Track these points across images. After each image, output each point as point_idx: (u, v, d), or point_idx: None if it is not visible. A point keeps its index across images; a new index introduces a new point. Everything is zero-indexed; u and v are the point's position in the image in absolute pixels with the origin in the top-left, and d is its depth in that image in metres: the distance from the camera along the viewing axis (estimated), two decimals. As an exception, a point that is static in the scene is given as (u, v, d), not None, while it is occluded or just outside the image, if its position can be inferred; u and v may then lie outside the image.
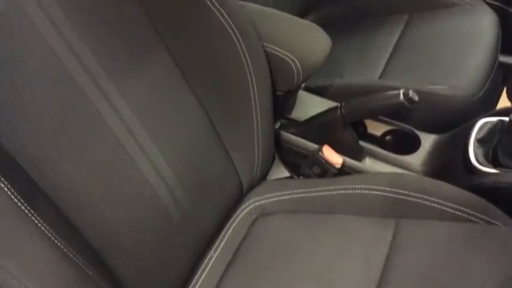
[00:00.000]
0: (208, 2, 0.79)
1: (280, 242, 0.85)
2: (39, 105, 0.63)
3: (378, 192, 0.83)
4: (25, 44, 0.63)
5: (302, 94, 1.09)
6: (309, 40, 0.95)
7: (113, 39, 0.73)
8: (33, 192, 0.60)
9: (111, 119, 0.71)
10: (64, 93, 0.66)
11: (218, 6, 0.80)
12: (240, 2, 0.89)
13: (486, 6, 1.25)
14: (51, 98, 0.64)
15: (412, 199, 0.80)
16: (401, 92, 0.84)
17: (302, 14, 1.39)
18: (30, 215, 0.56)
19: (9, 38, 0.61)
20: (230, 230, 0.90)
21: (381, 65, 1.17)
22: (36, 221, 0.57)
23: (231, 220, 0.91)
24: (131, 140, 0.72)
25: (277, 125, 1.05)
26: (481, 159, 0.84)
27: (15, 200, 0.56)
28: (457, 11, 1.24)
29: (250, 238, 0.87)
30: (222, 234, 0.89)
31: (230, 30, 0.82)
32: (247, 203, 0.92)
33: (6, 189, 0.55)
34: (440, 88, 1.03)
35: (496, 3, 1.33)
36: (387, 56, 1.19)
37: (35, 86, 0.63)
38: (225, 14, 0.80)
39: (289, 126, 1.04)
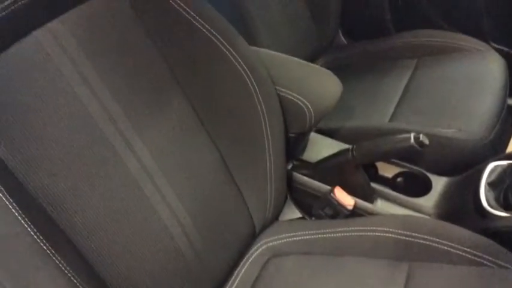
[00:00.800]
0: (222, 47, 0.82)
1: (292, 283, 0.85)
2: (60, 148, 0.65)
3: (390, 235, 0.83)
4: (48, 87, 0.66)
5: (313, 136, 1.11)
6: (321, 84, 0.97)
7: (132, 82, 0.76)
8: (54, 234, 0.62)
9: (130, 161, 0.73)
10: (84, 135, 0.68)
11: (232, 50, 0.83)
12: (254, 47, 0.93)
13: (493, 51, 1.28)
14: (71, 141, 0.67)
15: (424, 242, 0.81)
16: (412, 135, 0.85)
17: (312, 58, 1.43)
18: (52, 256, 0.58)
19: (33, 79, 0.64)
20: (242, 271, 0.90)
21: (391, 108, 1.19)
22: (57, 262, 0.58)
23: (244, 261, 0.91)
24: (149, 182, 0.74)
25: (290, 166, 1.07)
26: (493, 202, 0.84)
27: (38, 240, 0.57)
28: (465, 56, 1.27)
29: (262, 279, 0.87)
30: (235, 275, 0.89)
31: (244, 74, 0.84)
32: (259, 244, 0.93)
33: (29, 230, 0.57)
34: (450, 131, 1.04)
35: (502, 48, 1.36)
36: (397, 99, 1.22)
37: (55, 129, 0.66)
38: (238, 58, 0.84)
39: (301, 167, 1.05)
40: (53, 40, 0.66)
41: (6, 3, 0.60)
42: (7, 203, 0.57)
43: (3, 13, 0.60)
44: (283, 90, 0.92)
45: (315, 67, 1.03)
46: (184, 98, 0.83)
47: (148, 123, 0.77)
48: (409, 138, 0.86)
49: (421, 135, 0.86)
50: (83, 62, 0.69)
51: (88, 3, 0.71)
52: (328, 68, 1.00)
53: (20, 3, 0.62)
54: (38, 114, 0.64)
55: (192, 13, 0.80)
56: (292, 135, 0.96)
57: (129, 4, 0.76)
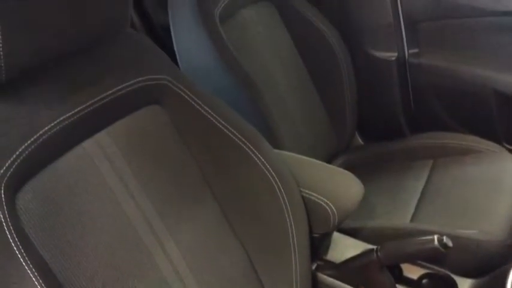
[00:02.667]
0: (250, 152, 0.87)
1: None
2: (100, 253, 0.69)
3: None
4: (92, 195, 0.70)
5: (336, 236, 1.12)
6: (343, 185, 1.00)
7: (167, 186, 0.81)
8: None
9: (163, 263, 0.75)
10: (123, 240, 0.72)
11: (259, 155, 0.88)
12: (278, 150, 0.98)
13: (507, 152, 1.32)
14: (110, 245, 0.70)
15: None
16: (435, 237, 0.86)
17: (331, 158, 1.48)
18: None
19: (79, 188, 0.69)
20: None
21: (411, 208, 1.21)
22: None
23: None
24: (180, 285, 0.76)
25: (314, 266, 1.07)
26: (521, 305, 0.84)
27: None
28: (480, 157, 1.31)
29: None
30: None
31: (271, 178, 0.89)
32: None
33: None
34: (472, 233, 1.05)
35: (515, 149, 1.40)
36: (416, 199, 1.24)
37: (95, 233, 0.69)
38: (265, 162, 0.88)
39: (326, 267, 1.05)
40: (99, 150, 0.72)
41: (60, 118, 0.67)
42: None
43: (58, 127, 0.66)
44: (306, 191, 0.95)
45: (336, 169, 1.07)
46: (214, 200, 0.87)
47: (180, 224, 0.80)
48: (433, 240, 0.86)
49: (444, 237, 0.86)
50: (124, 169, 0.74)
51: (132, 115, 0.77)
52: (345, 168, 1.04)
53: (73, 118, 0.68)
54: (80, 220, 0.68)
55: (222, 122, 0.86)
56: (316, 235, 0.98)
57: (168, 116, 0.83)
